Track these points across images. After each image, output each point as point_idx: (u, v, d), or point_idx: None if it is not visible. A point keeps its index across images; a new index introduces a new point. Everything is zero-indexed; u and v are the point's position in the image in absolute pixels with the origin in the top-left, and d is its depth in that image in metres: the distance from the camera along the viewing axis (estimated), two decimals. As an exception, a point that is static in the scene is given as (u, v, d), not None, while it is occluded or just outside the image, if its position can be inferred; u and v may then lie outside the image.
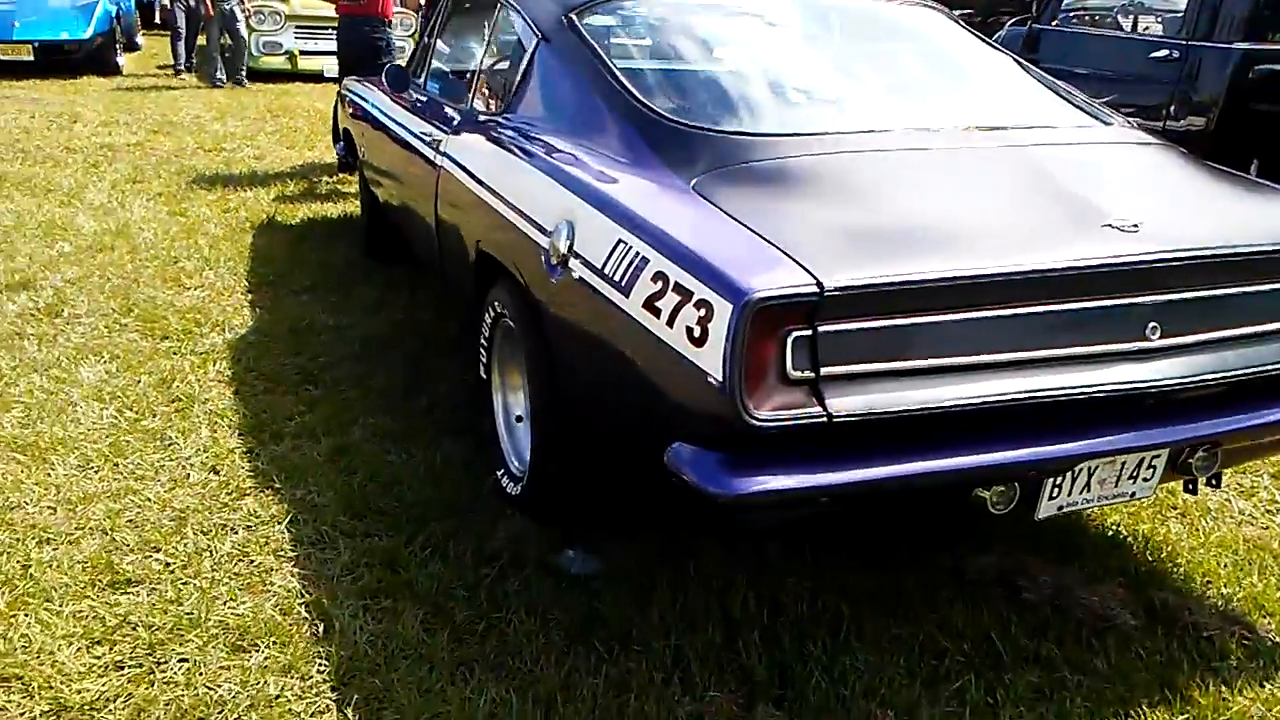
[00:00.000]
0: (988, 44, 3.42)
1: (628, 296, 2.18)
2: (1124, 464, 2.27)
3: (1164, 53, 4.81)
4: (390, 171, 4.39)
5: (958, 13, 6.63)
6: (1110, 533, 2.99)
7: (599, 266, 2.30)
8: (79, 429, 3.36)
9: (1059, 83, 3.21)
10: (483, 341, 3.11)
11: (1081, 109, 3.06)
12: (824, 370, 1.93)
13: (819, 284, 1.89)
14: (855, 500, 2.10)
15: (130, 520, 2.85)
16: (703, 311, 1.95)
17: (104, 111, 9.47)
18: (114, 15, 12.04)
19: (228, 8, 11.10)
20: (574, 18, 3.02)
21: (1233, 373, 2.23)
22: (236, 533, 2.82)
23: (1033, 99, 3.11)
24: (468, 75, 3.85)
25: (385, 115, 4.43)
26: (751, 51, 3.11)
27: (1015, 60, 3.32)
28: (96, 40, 11.56)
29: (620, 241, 2.26)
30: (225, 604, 2.52)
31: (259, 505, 2.96)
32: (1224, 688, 2.36)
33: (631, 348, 2.18)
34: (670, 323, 2.04)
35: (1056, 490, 2.23)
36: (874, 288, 1.94)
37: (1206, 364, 2.21)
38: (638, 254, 2.19)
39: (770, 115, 2.76)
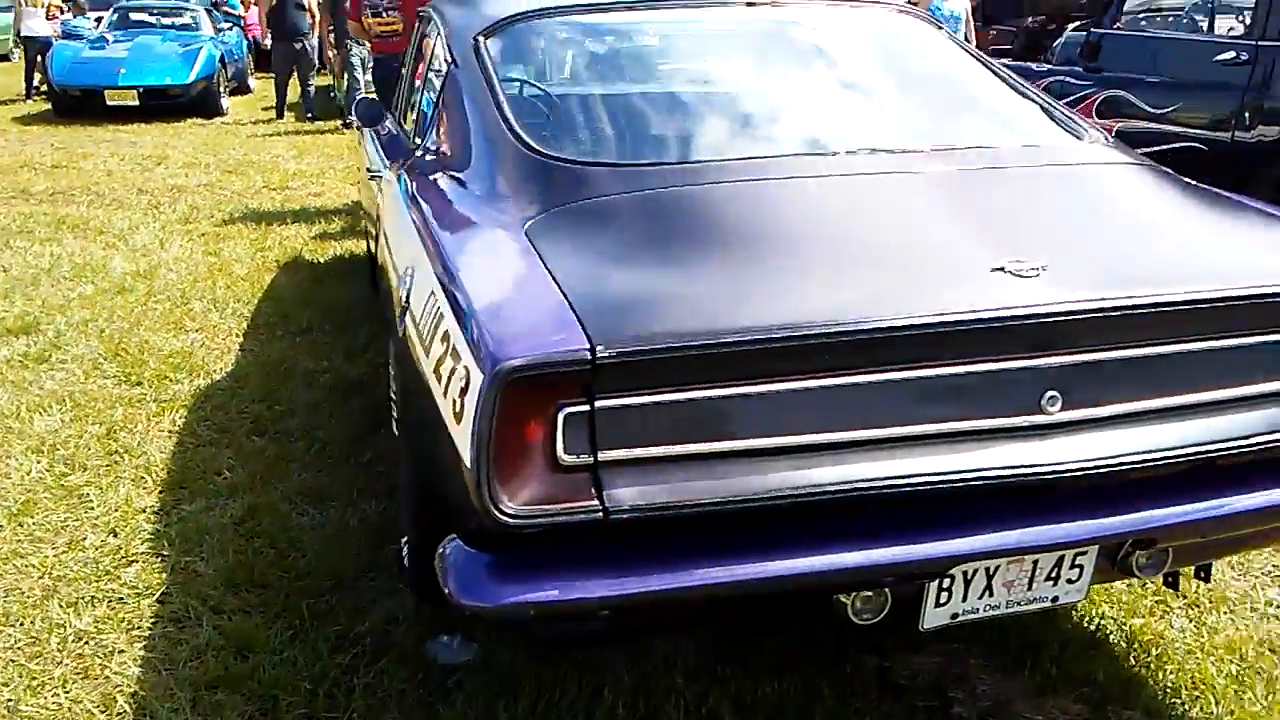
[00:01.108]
0: (967, 52, 2.96)
1: (427, 357, 1.88)
2: (1036, 563, 1.83)
3: (1230, 55, 4.21)
4: (362, 207, 4.21)
5: (1028, 20, 6.10)
6: (1087, 629, 2.50)
7: (417, 321, 2.01)
8: (1, 485, 3.24)
9: (1040, 95, 2.75)
10: (390, 395, 2.86)
11: (1057, 124, 2.59)
12: (603, 455, 1.58)
13: (591, 349, 1.55)
14: (652, 613, 1.73)
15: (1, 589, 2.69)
16: (463, 381, 1.64)
17: (191, 153, 9.72)
18: (219, 60, 12.44)
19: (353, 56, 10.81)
20: (480, 39, 2.74)
21: (1159, 455, 1.76)
22: (100, 606, 2.62)
23: (992, 114, 2.65)
24: (416, 106, 3.62)
25: (362, 149, 4.26)
26: (669, 71, 2.77)
27: (993, 69, 2.85)
28: (200, 85, 11.96)
29: (431, 294, 1.96)
30: (50, 692, 2.31)
31: (140, 574, 2.76)
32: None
33: (427, 417, 1.86)
34: (445, 392, 1.72)
35: (945, 596, 1.81)
36: (662, 352, 1.58)
37: (1125, 444, 1.75)
38: (437, 309, 1.89)
39: (651, 143, 2.41)
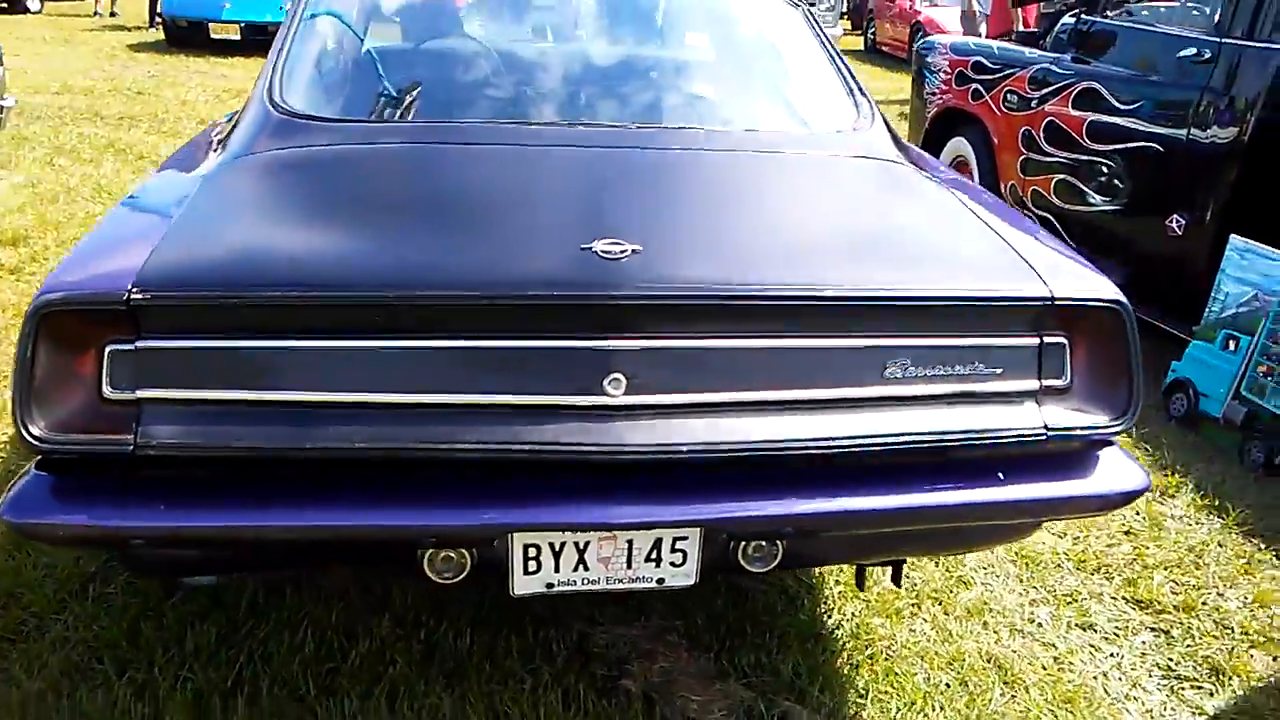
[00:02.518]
0: (816, 38, 2.85)
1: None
2: (631, 543, 1.82)
3: (1193, 51, 3.93)
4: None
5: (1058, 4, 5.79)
6: (809, 624, 2.46)
7: None
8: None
9: (851, 86, 2.62)
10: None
11: (826, 113, 2.50)
12: (143, 393, 1.66)
13: (128, 291, 1.62)
14: (198, 547, 1.80)
15: None
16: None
17: (270, 88, 10.11)
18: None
19: None
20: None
21: (723, 447, 1.73)
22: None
23: (752, 96, 2.58)
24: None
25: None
26: (449, 40, 2.78)
27: (826, 54, 2.75)
28: (300, 22, 12.37)
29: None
30: None
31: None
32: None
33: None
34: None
35: (534, 565, 1.82)
36: (197, 299, 1.64)
37: (687, 434, 1.72)
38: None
39: (391, 100, 2.44)
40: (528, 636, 2.35)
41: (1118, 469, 1.90)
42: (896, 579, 2.22)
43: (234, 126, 2.37)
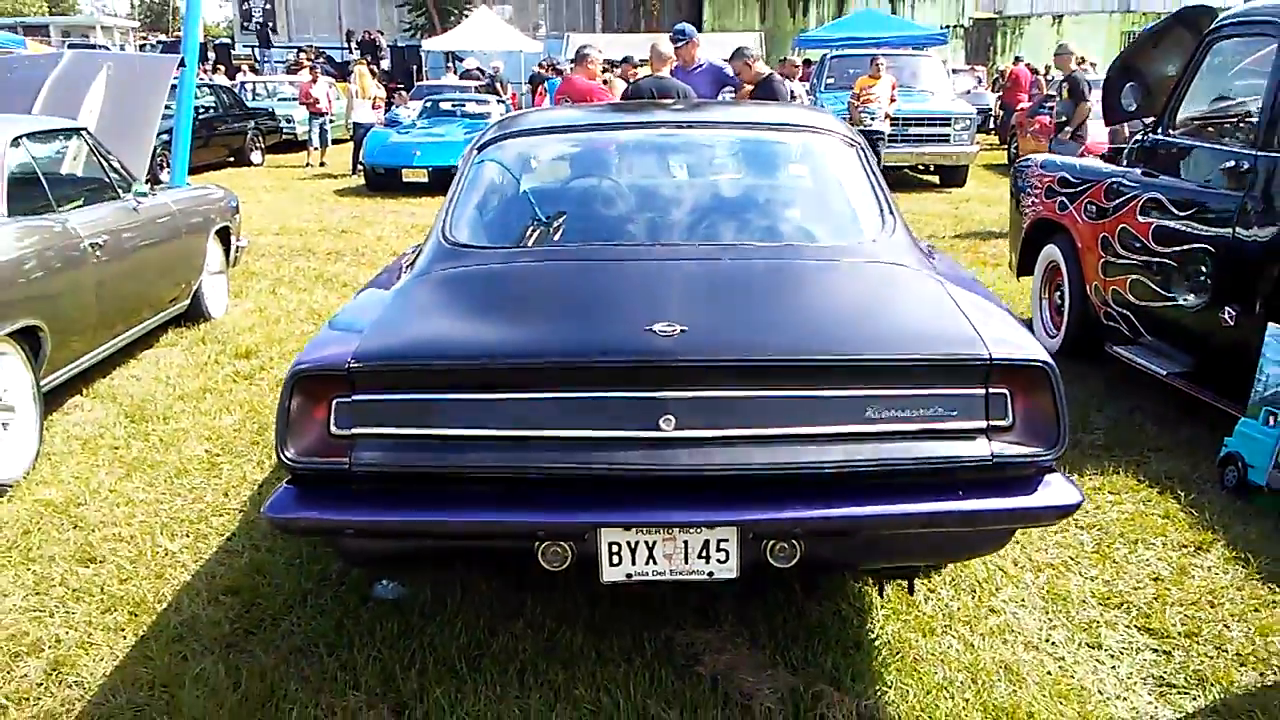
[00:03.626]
0: (863, 167, 3.58)
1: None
2: (687, 543, 2.53)
3: (1233, 163, 4.43)
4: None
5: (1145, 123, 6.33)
6: (862, 636, 3.05)
7: None
8: (168, 457, 4.58)
9: (884, 203, 3.34)
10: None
11: (851, 229, 3.26)
12: (356, 430, 2.51)
13: (349, 361, 2.49)
14: (388, 538, 2.60)
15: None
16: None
17: (452, 223, 11.48)
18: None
19: None
20: (472, 151, 3.77)
21: (749, 468, 2.43)
22: (188, 538, 3.81)
23: (798, 219, 3.37)
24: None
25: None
26: (574, 181, 3.68)
27: (869, 181, 3.48)
28: (481, 164, 13.93)
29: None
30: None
31: (224, 523, 3.94)
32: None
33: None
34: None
35: (617, 559, 2.55)
36: (394, 367, 2.50)
37: (721, 459, 2.43)
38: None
39: (526, 230, 3.32)
40: (626, 636, 3.04)
41: (1057, 490, 2.49)
42: (911, 589, 2.81)
43: (416, 255, 3.29)
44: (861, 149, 3.70)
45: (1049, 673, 2.91)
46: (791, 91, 13.97)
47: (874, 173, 3.56)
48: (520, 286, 2.92)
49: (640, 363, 2.46)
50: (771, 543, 2.51)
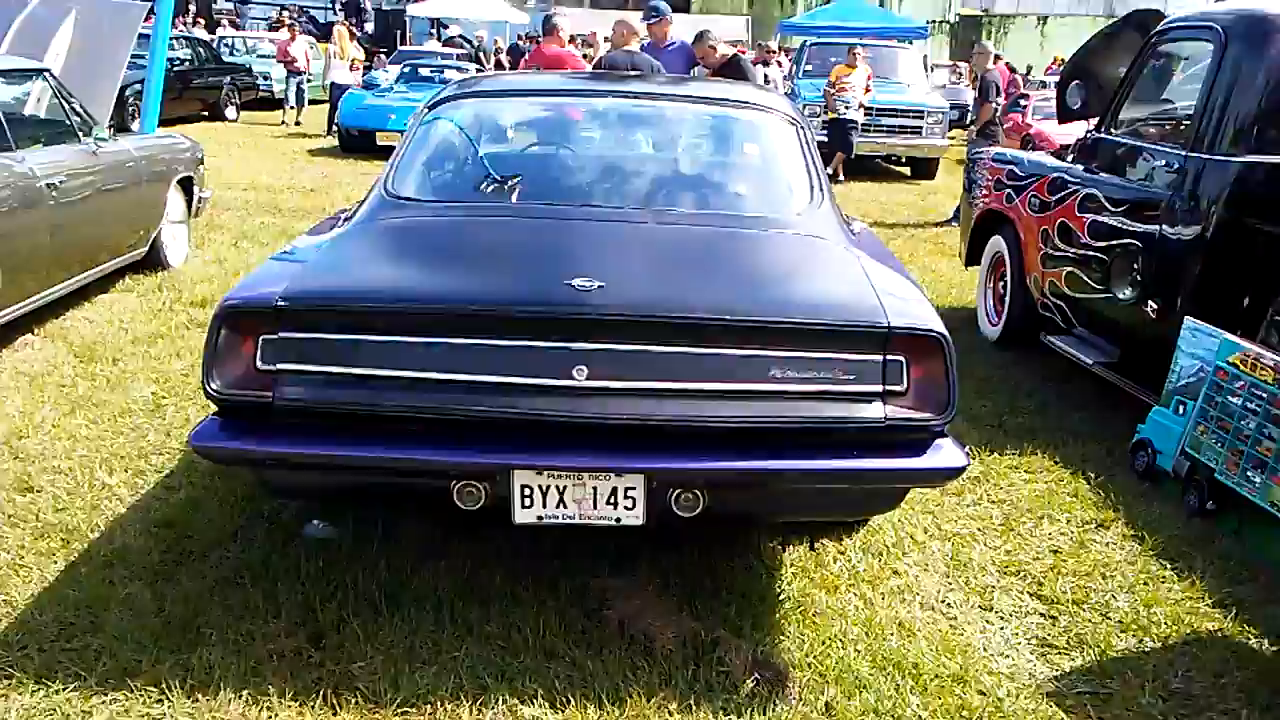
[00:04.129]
0: (800, 148, 3.69)
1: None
2: (595, 489, 2.65)
3: (1164, 162, 4.58)
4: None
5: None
6: (767, 590, 3.20)
7: None
8: (117, 397, 4.66)
9: (818, 182, 3.47)
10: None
11: (784, 205, 3.40)
12: (280, 366, 2.61)
13: (275, 299, 2.59)
14: (307, 470, 2.71)
15: None
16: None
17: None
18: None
19: None
20: (424, 109, 3.86)
21: (652, 419, 2.56)
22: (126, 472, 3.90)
23: (741, 190, 3.48)
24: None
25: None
26: (519, 144, 3.79)
27: (806, 161, 3.60)
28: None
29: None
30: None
31: (164, 462, 4.03)
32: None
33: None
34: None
35: (529, 501, 2.67)
36: (316, 307, 2.60)
37: (626, 408, 2.56)
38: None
39: (469, 187, 3.44)
40: (543, 582, 3.17)
41: (946, 453, 2.63)
42: (812, 545, 2.95)
43: (358, 206, 3.39)
44: (801, 128, 3.82)
45: (940, 630, 3.07)
46: (766, 76, 14.05)
47: (811, 151, 3.67)
48: (451, 238, 3.02)
49: (557, 314, 2.57)
50: (677, 492, 2.64)
